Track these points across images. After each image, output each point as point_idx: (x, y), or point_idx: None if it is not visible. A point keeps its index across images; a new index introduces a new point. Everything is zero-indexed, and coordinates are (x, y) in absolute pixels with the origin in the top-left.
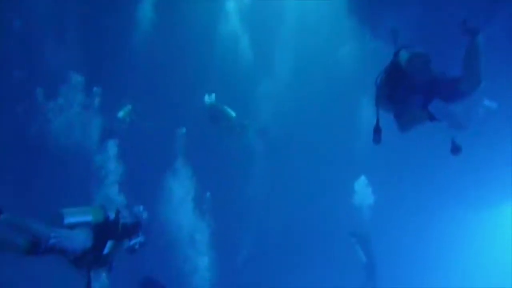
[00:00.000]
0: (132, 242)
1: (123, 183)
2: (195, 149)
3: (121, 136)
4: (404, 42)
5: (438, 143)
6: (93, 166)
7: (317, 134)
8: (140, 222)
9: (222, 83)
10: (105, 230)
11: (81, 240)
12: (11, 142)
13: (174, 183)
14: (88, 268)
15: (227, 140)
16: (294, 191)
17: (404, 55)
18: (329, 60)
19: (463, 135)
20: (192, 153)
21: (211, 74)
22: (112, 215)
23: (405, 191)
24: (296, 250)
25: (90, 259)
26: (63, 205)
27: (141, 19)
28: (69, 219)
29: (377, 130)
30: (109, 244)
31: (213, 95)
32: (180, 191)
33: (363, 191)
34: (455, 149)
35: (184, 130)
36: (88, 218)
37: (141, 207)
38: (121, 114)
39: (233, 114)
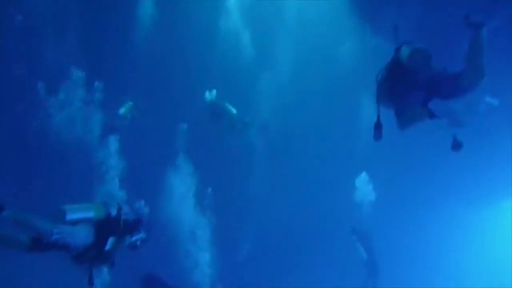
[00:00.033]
0: (134, 238)
1: (124, 179)
2: (196, 146)
3: (122, 133)
4: (405, 38)
5: (439, 139)
6: (94, 162)
7: (318, 131)
8: (142, 219)
9: (223, 79)
10: (106, 226)
11: (83, 236)
12: (12, 138)
13: (175, 179)
14: (90, 264)
15: (228, 137)
16: (295, 187)
17: (405, 51)
18: (330, 57)
19: (464, 132)
20: (193, 149)
21: (212, 70)
22: (113, 212)
23: (405, 188)
24: (297, 247)
25: (92, 255)
26: (65, 201)
27: (142, 16)
28: (71, 216)
29: (377, 127)
30: (110, 240)
31: (214, 91)
32: (181, 187)
33: (364, 187)
34: (456, 145)
35: (185, 126)
36: (90, 214)
37: (142, 203)
38: (122, 110)
39: (234, 111)
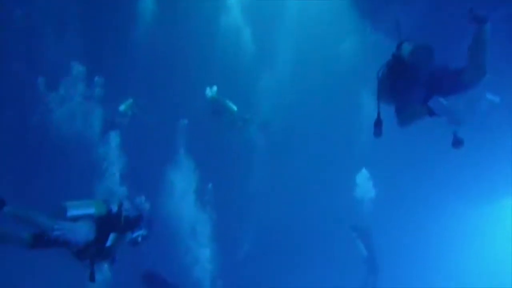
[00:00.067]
0: (135, 234)
1: (125, 176)
2: (196, 143)
3: (123, 129)
4: (407, 35)
5: (439, 137)
6: (95, 158)
7: (318, 128)
8: (143, 215)
9: (224, 76)
10: (107, 222)
11: (84, 232)
12: (12, 134)
13: (175, 176)
14: (91, 260)
15: (229, 134)
16: (296, 184)
17: (407, 47)
18: (331, 54)
19: (465, 129)
20: (194, 146)
21: (213, 67)
22: (114, 208)
23: (406, 185)
24: (297, 243)
25: (93, 251)
26: (65, 197)
27: (143, 12)
28: (72, 212)
29: (378, 124)
30: (111, 236)
31: (215, 87)
32: (182, 183)
33: (364, 184)
34: (457, 142)
35: (185, 121)
36: (91, 211)
37: (143, 198)
38: (122, 107)
39: (234, 108)
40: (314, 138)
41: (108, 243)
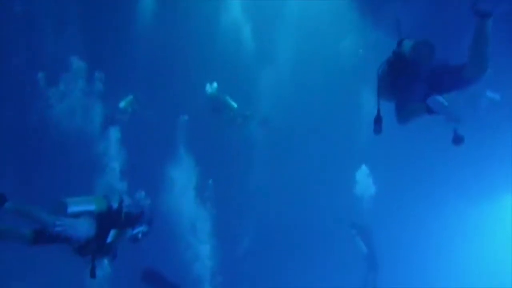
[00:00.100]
0: (135, 231)
1: (125, 172)
2: (196, 139)
3: (123, 126)
4: (407, 33)
5: (439, 134)
6: (95, 153)
7: (318, 125)
8: (143, 212)
9: (224, 73)
10: (108, 219)
11: (85, 229)
12: (11, 130)
13: (175, 172)
14: (92, 256)
15: (229, 131)
16: (296, 180)
17: (407, 44)
18: (331, 51)
19: (465, 127)
20: (194, 143)
21: (213, 64)
22: (115, 205)
23: (405, 182)
24: (297, 240)
25: (94, 247)
26: (65, 193)
27: (143, 8)
28: (73, 208)
29: (377, 121)
30: (112, 233)
31: (215, 84)
32: (182, 180)
33: (364, 181)
34: (457, 139)
35: (186, 117)
36: (92, 207)
37: (143, 193)
38: (122, 104)
39: (234, 105)
40: (314, 134)
41: (109, 239)
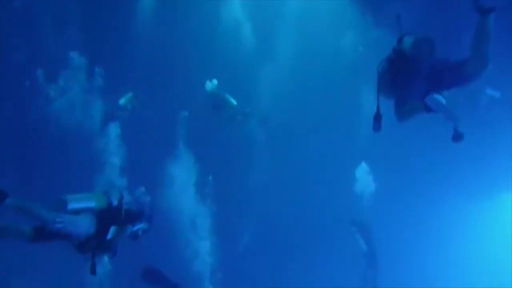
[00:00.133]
0: (135, 228)
1: (125, 169)
2: (196, 137)
3: (123, 123)
4: (408, 29)
5: (439, 131)
6: (94, 150)
7: (318, 122)
8: (143, 209)
9: (224, 71)
10: (108, 216)
11: (85, 225)
12: (11, 126)
13: (175, 169)
14: (92, 253)
15: (229, 128)
16: (295, 177)
17: (408, 41)
18: (331, 48)
19: (465, 124)
20: (194, 140)
21: (213, 61)
22: (115, 201)
23: (405, 180)
24: (297, 237)
25: (94, 244)
26: (65, 189)
27: (143, 5)
28: (73, 205)
29: (377, 118)
30: (112, 229)
31: (215, 80)
32: (182, 176)
33: (364, 178)
34: (457, 136)
35: (186, 113)
36: (92, 204)
37: (143, 189)
38: (122, 101)
39: (234, 102)
40: (313, 132)
41: (109, 236)
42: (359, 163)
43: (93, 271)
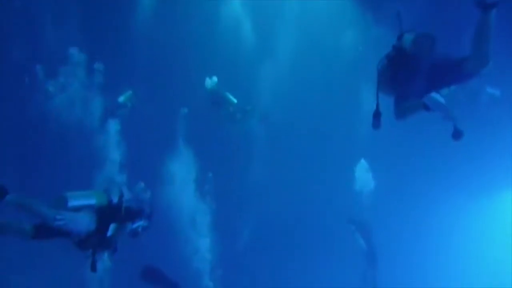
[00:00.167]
0: (135, 225)
1: (125, 165)
2: (196, 134)
3: (122, 121)
4: (408, 27)
5: (439, 128)
6: (94, 146)
7: (318, 120)
8: (143, 207)
9: (224, 68)
10: (108, 213)
11: (85, 223)
12: (10, 123)
13: (175, 166)
14: (92, 250)
15: (229, 126)
16: (295, 175)
17: (408, 38)
18: (331, 46)
19: (465, 122)
20: (193, 138)
21: (213, 59)
22: (115, 199)
23: (405, 178)
24: (296, 235)
25: (94, 241)
26: (65, 186)
27: (143, 1)
28: (73, 202)
29: (376, 116)
30: (112, 227)
31: (215, 78)
32: (182, 173)
33: (363, 176)
34: (457, 134)
35: (185, 110)
36: (92, 201)
37: (142, 185)
38: (121, 99)
39: (234, 100)
40: (313, 129)
41: (109, 233)
42: (358, 161)
43: (93, 268)
